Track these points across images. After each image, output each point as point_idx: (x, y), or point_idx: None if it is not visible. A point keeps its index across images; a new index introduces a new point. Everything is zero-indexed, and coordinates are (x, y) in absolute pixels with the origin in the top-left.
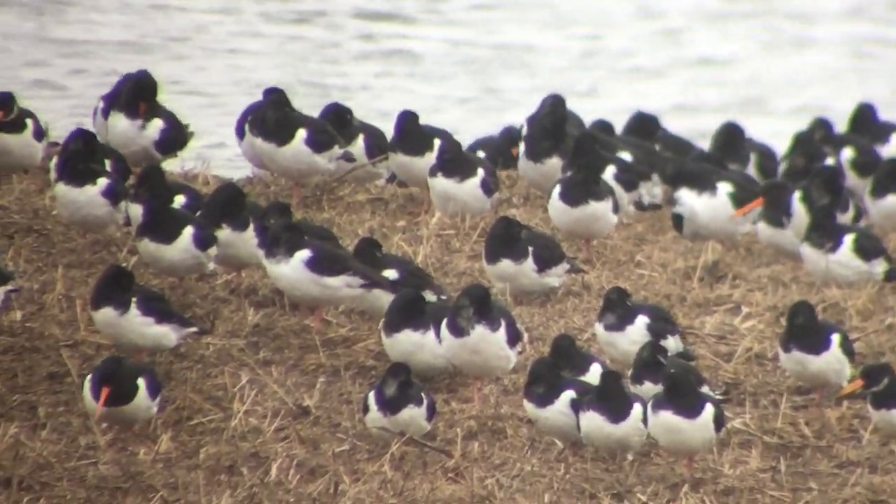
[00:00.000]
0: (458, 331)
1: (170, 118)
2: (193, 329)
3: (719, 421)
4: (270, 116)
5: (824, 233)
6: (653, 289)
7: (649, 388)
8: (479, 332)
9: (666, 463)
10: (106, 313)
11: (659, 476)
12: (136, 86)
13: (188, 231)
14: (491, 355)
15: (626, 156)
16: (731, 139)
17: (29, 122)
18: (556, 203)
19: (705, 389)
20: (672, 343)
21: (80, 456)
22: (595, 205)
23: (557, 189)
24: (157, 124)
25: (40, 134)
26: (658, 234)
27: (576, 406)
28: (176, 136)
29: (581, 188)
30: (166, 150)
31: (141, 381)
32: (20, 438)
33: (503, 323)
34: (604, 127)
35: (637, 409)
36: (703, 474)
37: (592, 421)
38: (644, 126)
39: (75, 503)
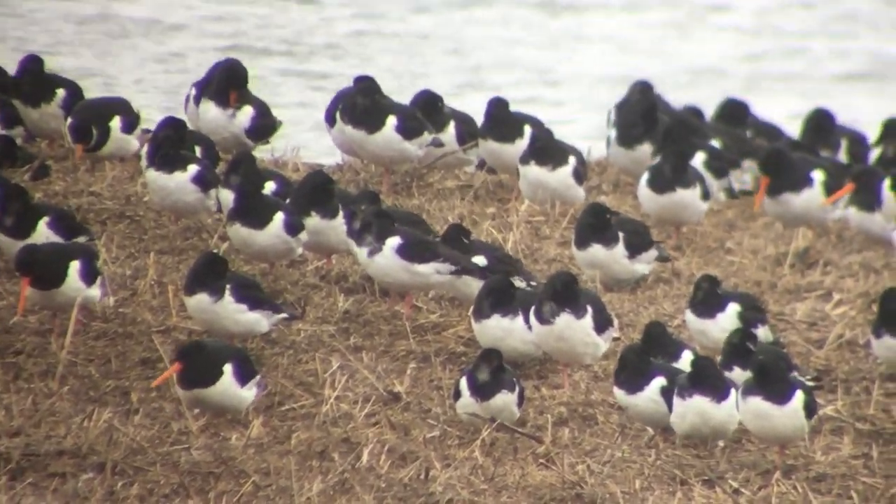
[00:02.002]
0: (544, 318)
1: (260, 106)
2: (284, 315)
3: (810, 407)
4: (360, 103)
5: None
6: (743, 275)
7: (738, 375)
8: (565, 319)
9: (757, 449)
10: (200, 299)
11: (750, 463)
12: (227, 74)
13: (279, 217)
14: (577, 342)
15: (714, 143)
16: (822, 125)
17: (114, 123)
18: (643, 190)
19: (796, 376)
20: (762, 332)
21: (172, 441)
22: (682, 192)
23: (645, 176)
24: (247, 112)
25: (130, 126)
26: (748, 220)
27: (666, 393)
28: (265, 124)
29: (668, 175)
30: (256, 137)
31: (228, 367)
32: (114, 423)
33: (590, 310)
34: (693, 113)
35: (734, 392)
36: (794, 461)
37: (692, 404)
38: (734, 112)
39: (168, 488)
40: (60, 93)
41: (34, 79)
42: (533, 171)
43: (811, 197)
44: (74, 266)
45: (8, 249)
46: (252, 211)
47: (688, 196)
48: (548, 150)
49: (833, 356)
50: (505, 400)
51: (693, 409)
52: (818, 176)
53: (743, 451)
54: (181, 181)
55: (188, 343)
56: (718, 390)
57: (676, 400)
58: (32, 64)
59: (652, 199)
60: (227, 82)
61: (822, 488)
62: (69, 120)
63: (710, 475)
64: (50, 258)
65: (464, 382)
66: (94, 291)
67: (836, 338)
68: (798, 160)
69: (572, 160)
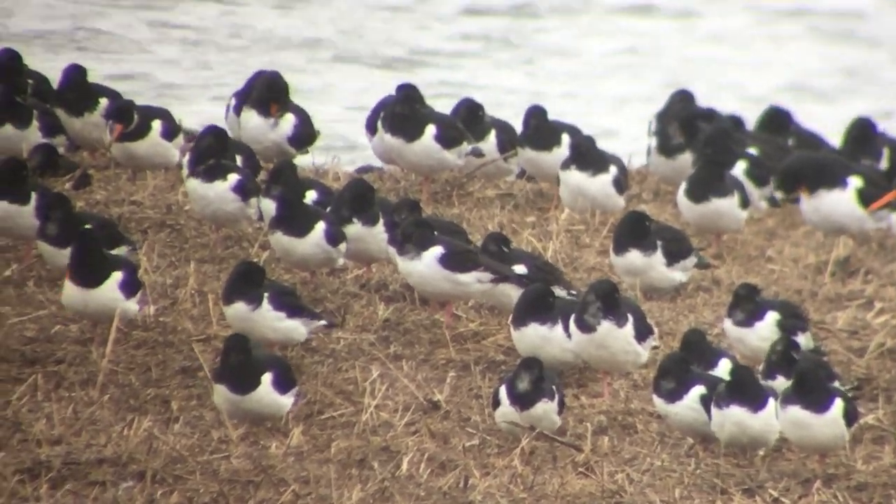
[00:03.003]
0: (585, 326)
1: (300, 113)
2: (324, 323)
3: (850, 416)
4: (400, 112)
5: None
6: (784, 284)
7: (781, 384)
8: (606, 327)
9: (798, 458)
10: (238, 308)
11: (791, 471)
12: (268, 86)
13: (320, 226)
14: (618, 350)
15: (753, 151)
16: (864, 134)
17: (155, 123)
18: (681, 199)
19: (836, 384)
20: (802, 340)
21: (212, 449)
22: (717, 201)
23: (683, 185)
24: (289, 120)
25: (170, 133)
26: (789, 228)
27: (706, 401)
28: (307, 132)
29: (704, 184)
30: (299, 145)
31: (266, 376)
32: (153, 432)
33: (630, 318)
34: (734, 122)
35: (772, 401)
36: (835, 470)
37: (729, 414)
38: (776, 120)
39: (208, 496)
40: (103, 102)
41: (77, 88)
42: (573, 177)
43: (842, 199)
44: (116, 276)
45: (50, 258)
46: (293, 219)
47: (724, 205)
48: (589, 156)
49: (874, 365)
50: (545, 408)
51: (730, 419)
52: (855, 182)
53: (783, 460)
54: (222, 190)
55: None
56: (756, 400)
57: (714, 409)
58: (76, 73)
59: (689, 208)
60: (267, 93)
61: (862, 497)
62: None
63: (750, 484)
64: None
65: (503, 391)
66: (133, 305)
67: (878, 346)
68: (835, 162)
69: (613, 168)
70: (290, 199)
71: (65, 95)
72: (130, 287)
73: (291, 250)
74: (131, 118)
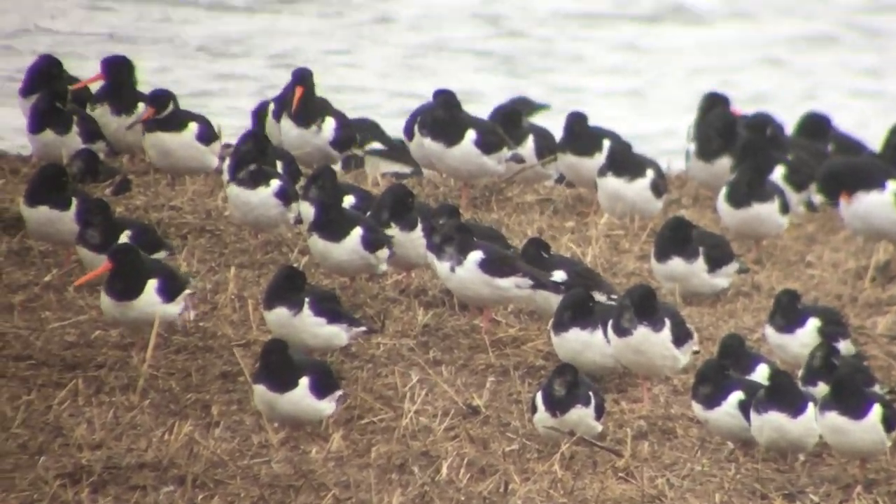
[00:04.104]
0: (622, 331)
1: (341, 117)
2: (364, 329)
3: (890, 421)
4: (440, 117)
5: None
6: (824, 289)
7: (822, 390)
8: (642, 332)
9: (838, 463)
10: (279, 313)
11: (831, 477)
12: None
13: (357, 232)
14: (655, 355)
15: (789, 157)
16: None
17: (193, 124)
18: (721, 204)
19: (876, 390)
20: (843, 346)
21: (252, 454)
22: (759, 207)
23: (723, 190)
24: (330, 123)
25: (207, 138)
26: (829, 234)
27: (744, 407)
28: (348, 134)
29: (745, 190)
30: (341, 148)
31: (304, 379)
32: (194, 437)
33: (668, 323)
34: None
35: (811, 406)
36: (876, 475)
37: (768, 419)
38: (815, 126)
39: (248, 501)
40: (142, 106)
41: (123, 87)
42: (610, 183)
43: (880, 202)
44: (152, 284)
45: (90, 263)
46: (331, 224)
47: (765, 210)
48: (625, 162)
49: None
50: (580, 414)
51: (769, 424)
52: (894, 186)
53: (824, 465)
54: (264, 196)
55: (271, 341)
56: (794, 405)
57: (753, 415)
58: (122, 69)
59: (730, 214)
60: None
61: None
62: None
63: (790, 489)
64: (133, 268)
65: (539, 397)
66: (173, 308)
67: None
68: (873, 165)
69: (650, 173)
70: (328, 204)
71: (111, 92)
72: (168, 291)
73: (328, 255)
74: (165, 105)
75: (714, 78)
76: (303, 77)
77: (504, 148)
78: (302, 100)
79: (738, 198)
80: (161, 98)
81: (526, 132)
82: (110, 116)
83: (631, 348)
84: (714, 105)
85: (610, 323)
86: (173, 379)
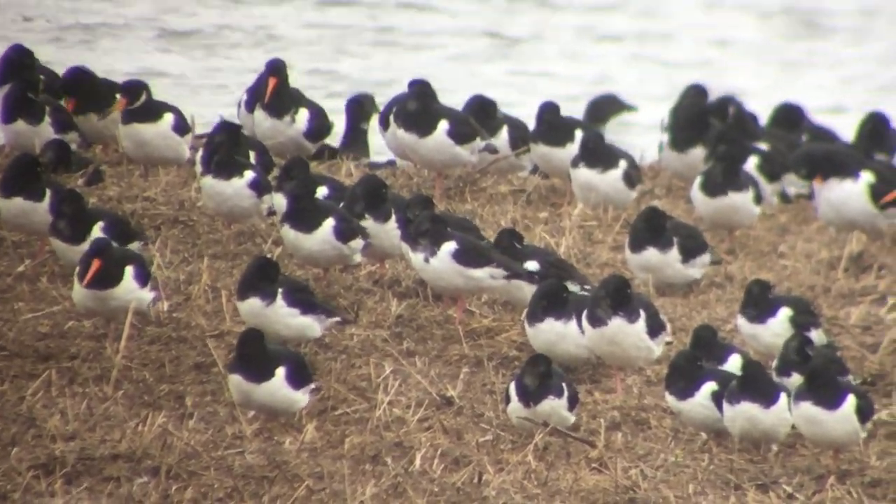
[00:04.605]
0: (597, 321)
1: (315, 108)
2: (338, 319)
3: (864, 412)
4: (413, 107)
5: None
6: (797, 279)
7: (796, 380)
8: (617, 322)
9: (812, 454)
10: (252, 304)
11: (804, 467)
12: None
13: (329, 222)
14: (630, 346)
15: (763, 146)
16: (876, 129)
17: (168, 115)
18: (696, 194)
19: (850, 380)
20: (815, 336)
21: (226, 445)
22: (734, 196)
23: (698, 180)
24: (303, 115)
25: (182, 129)
26: (802, 224)
27: (717, 397)
28: (322, 125)
29: (720, 179)
30: (315, 139)
31: (280, 370)
32: (168, 428)
33: (642, 314)
34: (748, 117)
35: (783, 397)
36: (849, 465)
37: (741, 410)
38: (789, 117)
39: (222, 492)
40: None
41: (93, 88)
42: (583, 174)
43: (853, 192)
44: (129, 270)
45: (63, 254)
46: (303, 215)
47: (739, 200)
48: (598, 152)
49: (887, 360)
50: (552, 405)
51: (742, 415)
52: (867, 176)
53: (797, 456)
54: (238, 187)
55: (248, 331)
56: (767, 395)
57: (726, 406)
58: (84, 74)
59: (705, 203)
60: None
61: (876, 493)
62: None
63: (763, 480)
64: (115, 257)
65: (513, 388)
66: (147, 294)
67: (891, 342)
68: (849, 154)
69: (623, 163)
70: (301, 195)
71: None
72: (143, 277)
73: (300, 245)
74: (138, 96)
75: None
76: (276, 68)
77: (477, 138)
78: (275, 90)
79: (713, 187)
80: (134, 88)
81: (500, 123)
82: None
83: (606, 339)
84: (693, 96)
85: (584, 314)
86: (147, 370)
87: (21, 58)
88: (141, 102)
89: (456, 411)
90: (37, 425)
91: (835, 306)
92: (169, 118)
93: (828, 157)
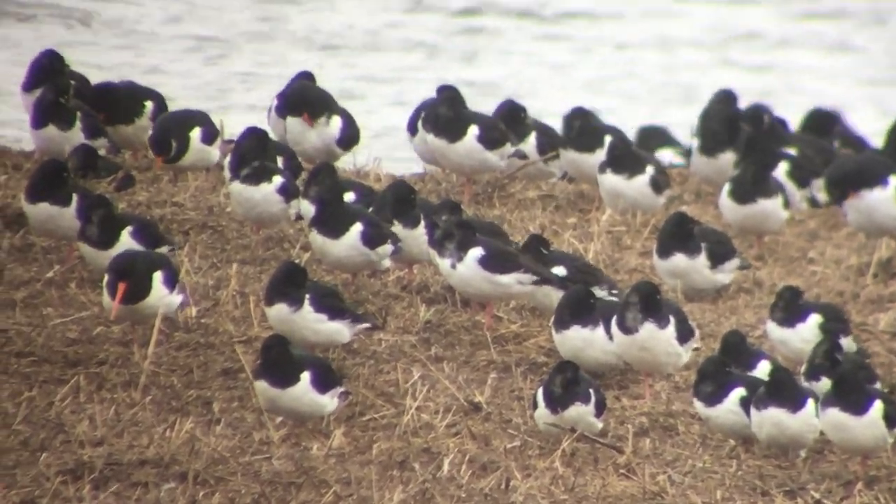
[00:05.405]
0: (627, 328)
1: (347, 116)
2: (366, 324)
3: (892, 418)
4: (442, 113)
5: None
6: (826, 285)
7: (825, 386)
8: (648, 329)
9: (840, 460)
10: (280, 309)
11: (832, 473)
12: (300, 96)
13: (356, 228)
14: (660, 352)
15: (792, 152)
16: None
17: (194, 132)
18: (725, 200)
19: (878, 386)
20: (844, 342)
21: (254, 451)
22: (764, 202)
23: (726, 187)
24: (336, 122)
25: (210, 137)
26: (831, 230)
27: (746, 403)
28: (354, 133)
29: (750, 185)
30: (346, 146)
31: (306, 374)
32: (195, 433)
33: (672, 320)
34: (778, 123)
35: (810, 402)
36: (877, 472)
37: (768, 415)
38: (821, 122)
39: (249, 497)
40: (149, 105)
41: (120, 101)
42: (610, 180)
43: (882, 198)
44: (158, 276)
45: (92, 259)
46: (330, 220)
47: (770, 206)
48: (625, 158)
49: None
50: (579, 411)
51: (769, 420)
52: (895, 182)
53: (825, 462)
54: (267, 193)
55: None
56: (794, 400)
57: (753, 411)
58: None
59: (734, 209)
60: (301, 104)
61: None
62: (149, 132)
63: (791, 486)
64: (140, 270)
65: (540, 394)
66: (176, 298)
67: None
68: (876, 161)
69: (650, 169)
70: (328, 200)
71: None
72: (171, 281)
73: (327, 251)
74: (169, 147)
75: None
76: (307, 75)
77: (507, 144)
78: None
79: (744, 193)
80: (162, 143)
81: (529, 128)
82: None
83: (636, 345)
84: (723, 101)
85: (614, 320)
86: (175, 375)
87: (52, 62)
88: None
89: (484, 417)
90: (65, 431)
91: (864, 312)
92: (196, 133)
93: (855, 171)
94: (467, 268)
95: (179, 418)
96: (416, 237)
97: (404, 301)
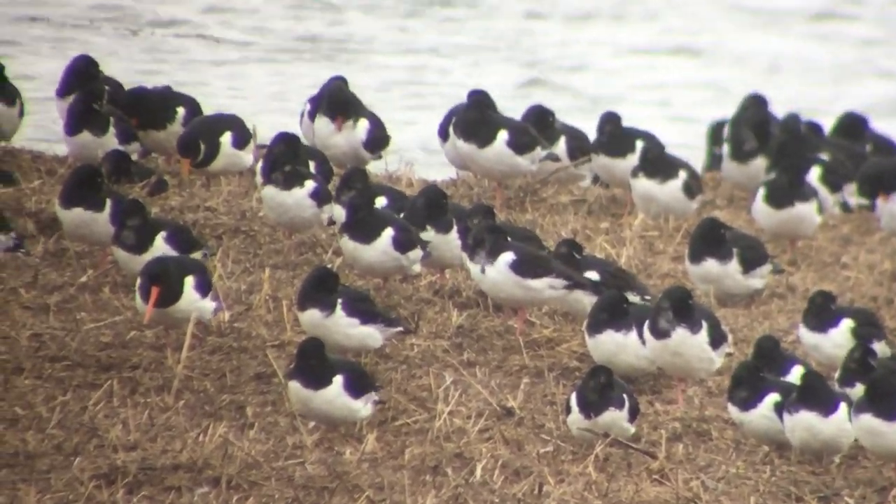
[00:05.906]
0: (660, 333)
1: (374, 119)
2: (399, 329)
3: None
4: (472, 118)
5: None
6: (859, 291)
7: (859, 391)
8: (680, 334)
9: (874, 466)
10: (312, 314)
11: (867, 479)
12: (332, 98)
13: (388, 233)
14: (692, 357)
15: (824, 156)
16: None
17: (225, 137)
18: (760, 205)
19: None
20: (879, 347)
21: (287, 455)
22: (800, 206)
23: (761, 191)
24: (363, 125)
25: (242, 142)
26: (864, 235)
27: (780, 409)
28: (381, 136)
29: (786, 190)
30: (373, 149)
31: (338, 377)
32: (229, 438)
33: (705, 325)
34: (811, 128)
35: (843, 406)
36: None
37: (800, 419)
38: (852, 127)
39: (283, 502)
40: (181, 111)
41: (152, 106)
42: (642, 185)
43: None
44: (189, 281)
45: (126, 264)
46: (361, 225)
47: (805, 210)
48: (657, 163)
49: None
50: (613, 417)
51: (801, 424)
52: None
53: (859, 468)
54: (300, 197)
55: (308, 340)
56: (826, 405)
57: (785, 415)
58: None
59: (769, 215)
60: (333, 106)
61: None
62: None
63: (825, 492)
64: (172, 274)
65: (573, 399)
66: (209, 303)
67: None
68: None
69: (682, 174)
70: (360, 205)
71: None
72: (203, 287)
73: (358, 256)
74: (198, 150)
75: None
76: (340, 79)
77: (537, 148)
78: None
79: (780, 198)
80: (190, 147)
81: (558, 133)
82: (148, 133)
83: (669, 350)
84: (753, 106)
85: (646, 325)
86: (208, 380)
87: (86, 68)
88: (203, 155)
89: (516, 422)
90: (99, 435)
91: None
92: (227, 138)
93: (888, 173)
94: (498, 272)
95: (213, 423)
96: (449, 242)
97: (436, 306)
